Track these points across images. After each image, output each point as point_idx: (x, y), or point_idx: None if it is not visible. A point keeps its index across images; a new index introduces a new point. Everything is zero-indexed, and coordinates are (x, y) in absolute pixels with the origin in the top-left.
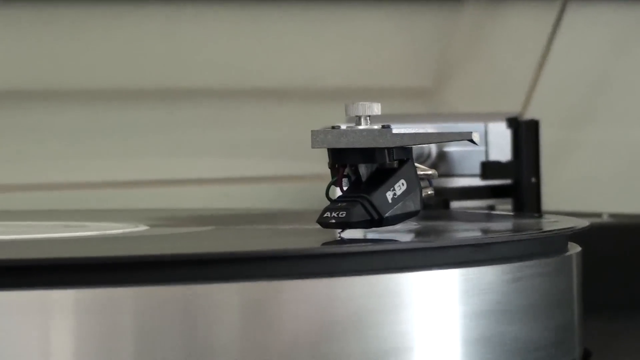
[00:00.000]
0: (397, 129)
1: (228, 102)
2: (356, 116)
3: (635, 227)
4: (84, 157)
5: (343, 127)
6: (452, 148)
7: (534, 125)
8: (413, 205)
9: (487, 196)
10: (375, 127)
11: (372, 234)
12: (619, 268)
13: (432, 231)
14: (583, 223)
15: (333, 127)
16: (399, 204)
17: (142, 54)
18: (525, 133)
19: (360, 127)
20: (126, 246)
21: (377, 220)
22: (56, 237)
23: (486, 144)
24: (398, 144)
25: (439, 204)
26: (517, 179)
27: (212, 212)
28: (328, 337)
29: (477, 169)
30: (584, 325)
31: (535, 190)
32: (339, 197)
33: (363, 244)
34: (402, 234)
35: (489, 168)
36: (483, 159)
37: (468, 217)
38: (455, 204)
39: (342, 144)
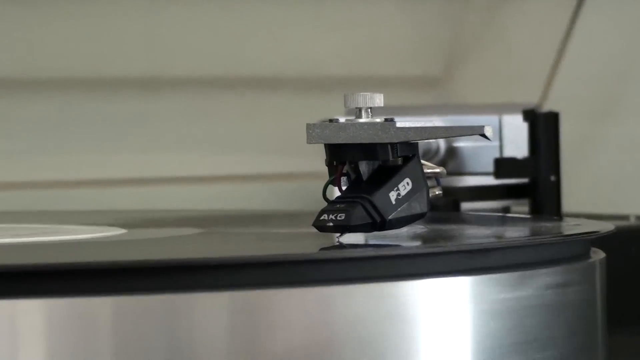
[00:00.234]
0: (401, 122)
1: (214, 92)
2: (356, 108)
3: None
4: (54, 153)
5: (342, 120)
6: (462, 143)
7: (553, 118)
8: (419, 206)
9: (501, 196)
10: (378, 120)
11: (374, 238)
12: None
13: (440, 235)
14: (608, 227)
15: (331, 120)
16: (404, 206)
17: (118, 38)
18: (543, 126)
19: (361, 121)
20: (101, 252)
21: (379, 223)
22: (24, 242)
23: (500, 138)
24: (402, 139)
25: (448, 205)
26: (535, 177)
27: (197, 213)
28: (324, 352)
29: (490, 167)
30: (608, 340)
31: (555, 190)
32: (338, 197)
33: (364, 249)
34: (406, 239)
35: (503, 165)
36: (497, 155)
37: (480, 219)
38: (466, 205)
39: (341, 139)
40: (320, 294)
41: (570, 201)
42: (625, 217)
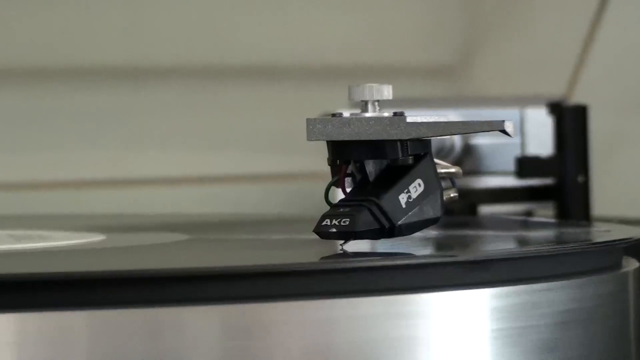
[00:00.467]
0: (412, 116)
1: (203, 83)
2: (362, 101)
3: None
4: (24, 151)
5: (346, 114)
6: (480, 140)
7: (581, 112)
8: (432, 210)
9: (523, 199)
10: (386, 114)
11: (382, 245)
12: None
13: (455, 243)
14: None
15: (334, 115)
16: (415, 209)
17: (95, 22)
18: (570, 121)
19: (367, 115)
20: (78, 261)
21: (387, 229)
22: None
23: (522, 134)
24: (414, 135)
25: (464, 209)
26: (561, 177)
27: (184, 218)
28: None
29: (511, 166)
30: None
31: (583, 192)
32: (341, 200)
33: (370, 258)
34: (418, 246)
35: (525, 164)
36: (519, 153)
37: (500, 225)
38: (484, 209)
39: (345, 135)
40: (322, 308)
41: (600, 204)
42: None
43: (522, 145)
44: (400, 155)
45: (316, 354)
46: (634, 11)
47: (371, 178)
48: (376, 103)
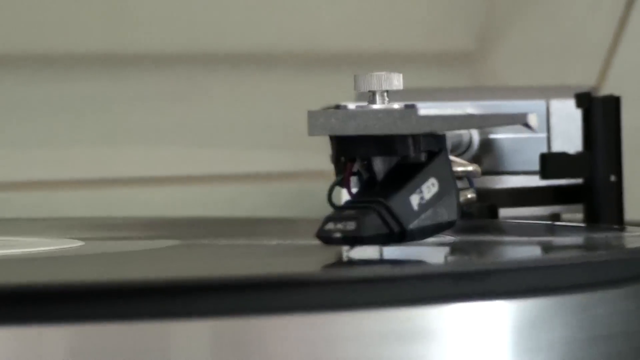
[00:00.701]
0: (425, 109)
1: (192, 72)
2: (370, 91)
3: None
4: None
5: (351, 106)
6: (500, 135)
7: (613, 104)
8: (447, 213)
9: (548, 201)
10: (396, 106)
11: (392, 252)
12: None
13: (473, 249)
14: None
15: (338, 107)
16: (428, 212)
17: (69, 4)
18: (601, 114)
19: (375, 107)
20: (53, 270)
21: (397, 234)
22: None
23: (548, 129)
24: (427, 129)
25: (482, 212)
26: (590, 177)
27: (172, 222)
28: None
29: (534, 164)
30: None
31: (615, 193)
32: (347, 202)
33: (379, 267)
34: (432, 253)
35: (551, 162)
36: (544, 149)
37: (522, 230)
38: (505, 212)
39: (351, 129)
40: (324, 323)
41: (634, 207)
42: None
43: (548, 140)
44: (411, 151)
45: None
46: None
47: (379, 177)
48: (385, 94)
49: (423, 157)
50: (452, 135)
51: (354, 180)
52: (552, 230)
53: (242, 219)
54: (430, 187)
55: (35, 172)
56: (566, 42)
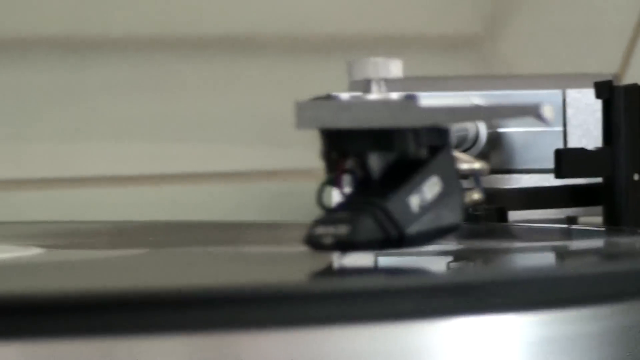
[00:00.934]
0: (427, 99)
1: (165, 57)
2: (365, 80)
3: None
4: None
5: (345, 96)
6: (511, 129)
7: (637, 94)
8: (451, 216)
9: (564, 203)
10: (395, 96)
11: (389, 260)
12: None
13: (480, 256)
14: None
15: (329, 97)
16: (429, 215)
17: None
18: (624, 105)
19: (371, 97)
20: (7, 281)
21: (395, 239)
22: None
23: (564, 122)
24: (429, 122)
25: (491, 215)
26: (611, 176)
27: (140, 225)
28: None
29: (549, 161)
30: None
31: (639, 193)
32: (338, 203)
33: (374, 277)
34: (434, 261)
35: (568, 160)
36: (559, 145)
37: (535, 234)
38: (516, 215)
39: (344, 122)
40: (313, 339)
41: None
42: None
43: (564, 135)
44: (411, 147)
45: None
46: None
47: (375, 176)
48: (382, 82)
49: (424, 153)
50: (457, 129)
51: (346, 179)
52: (568, 234)
53: (220, 223)
54: (432, 187)
55: None
56: (584, 25)
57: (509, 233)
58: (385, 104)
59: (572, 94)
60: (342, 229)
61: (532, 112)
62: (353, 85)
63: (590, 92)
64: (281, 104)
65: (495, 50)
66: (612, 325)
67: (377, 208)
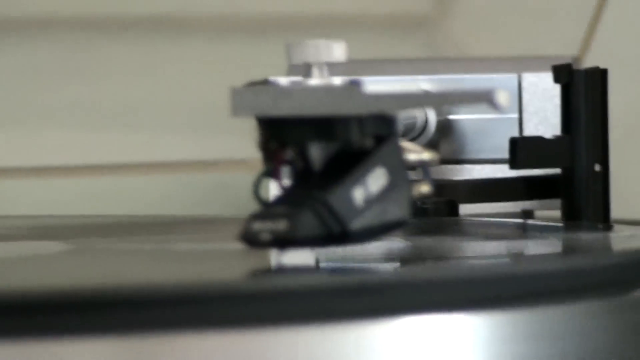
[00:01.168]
0: (372, 84)
1: (88, 38)
2: (305, 63)
3: None
4: None
5: (283, 82)
6: (462, 116)
7: (598, 78)
8: (398, 210)
9: (519, 195)
10: (337, 81)
11: (331, 257)
12: None
13: (428, 253)
14: None
15: (266, 82)
16: (374, 209)
17: None
18: (584, 90)
19: (312, 83)
20: None
21: (338, 235)
22: None
23: (520, 109)
24: (374, 109)
25: (440, 209)
26: (571, 166)
27: (63, 220)
28: None
29: (503, 151)
30: None
31: (601, 186)
32: (277, 197)
33: (312, 275)
34: (378, 258)
35: (523, 149)
36: (514, 133)
37: (488, 229)
38: (467, 209)
39: (282, 109)
40: (249, 342)
41: (621, 202)
42: None
43: (520, 122)
44: (355, 136)
45: None
46: None
47: (316, 167)
48: (324, 66)
49: (369, 143)
50: (404, 117)
51: (285, 170)
52: (523, 230)
53: (150, 217)
54: (377, 179)
55: None
56: (542, 3)
57: (460, 228)
58: (327, 89)
59: (529, 78)
60: (281, 225)
61: (485, 98)
62: (292, 70)
63: (548, 76)
64: (214, 90)
65: (445, 30)
66: (569, 325)
67: (318, 202)
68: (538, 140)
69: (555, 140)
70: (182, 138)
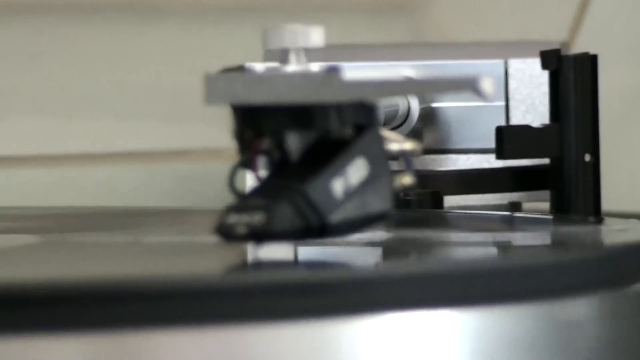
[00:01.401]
0: (352, 71)
1: (52, 21)
2: (282, 49)
3: None
4: None
5: (259, 68)
6: (446, 104)
7: (588, 64)
8: (379, 202)
9: (506, 187)
10: (315, 68)
11: (309, 251)
12: None
13: (410, 247)
14: None
15: (242, 68)
16: (355, 201)
17: None
18: (573, 77)
19: (289, 69)
20: None
21: (316, 228)
22: None
23: (506, 96)
24: (354, 97)
25: (424, 200)
26: (560, 156)
27: (30, 212)
28: None
29: (489, 140)
30: None
31: (591, 176)
32: (253, 188)
33: (292, 270)
34: (359, 253)
35: (510, 138)
36: (501, 122)
37: (474, 222)
38: (452, 200)
39: (258, 97)
40: (224, 339)
41: (612, 194)
42: None
43: (506, 110)
44: (334, 125)
45: None
46: None
47: (294, 157)
48: (301, 52)
49: (349, 132)
50: (385, 105)
51: (262, 161)
52: (510, 222)
53: (120, 209)
54: (357, 170)
55: None
56: None
57: (445, 221)
58: (305, 76)
59: (515, 64)
60: (257, 218)
61: (469, 85)
62: (268, 55)
63: (535, 63)
64: (187, 76)
65: (428, 14)
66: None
67: (296, 194)
68: (525, 129)
69: (544, 129)
70: (154, 126)
